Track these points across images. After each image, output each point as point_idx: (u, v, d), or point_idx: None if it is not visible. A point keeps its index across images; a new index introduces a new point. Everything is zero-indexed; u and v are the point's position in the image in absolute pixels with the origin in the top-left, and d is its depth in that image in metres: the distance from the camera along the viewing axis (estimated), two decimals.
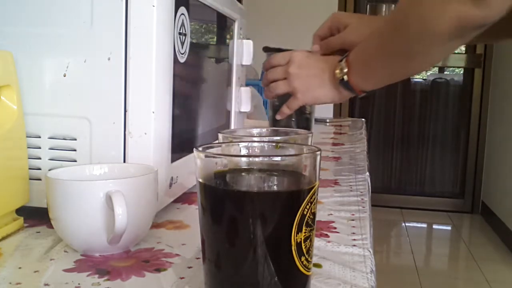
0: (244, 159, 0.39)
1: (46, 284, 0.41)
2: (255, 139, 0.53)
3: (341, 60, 0.78)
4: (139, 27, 0.53)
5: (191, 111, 0.68)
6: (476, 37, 0.61)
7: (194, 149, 0.37)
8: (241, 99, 0.90)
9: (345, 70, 0.76)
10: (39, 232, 0.54)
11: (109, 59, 0.53)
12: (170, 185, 0.59)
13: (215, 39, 0.80)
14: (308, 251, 0.36)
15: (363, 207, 0.67)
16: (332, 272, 0.45)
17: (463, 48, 3.78)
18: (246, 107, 0.90)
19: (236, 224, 0.35)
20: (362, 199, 0.71)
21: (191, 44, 0.63)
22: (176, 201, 0.63)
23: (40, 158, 0.56)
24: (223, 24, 0.81)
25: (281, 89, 0.86)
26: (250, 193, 0.36)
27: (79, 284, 0.41)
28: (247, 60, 0.91)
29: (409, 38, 0.64)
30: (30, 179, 0.56)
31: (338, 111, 3.69)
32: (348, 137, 1.36)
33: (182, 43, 0.60)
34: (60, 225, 0.48)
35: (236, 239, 0.35)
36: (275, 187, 0.37)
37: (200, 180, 0.36)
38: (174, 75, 0.58)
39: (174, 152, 0.59)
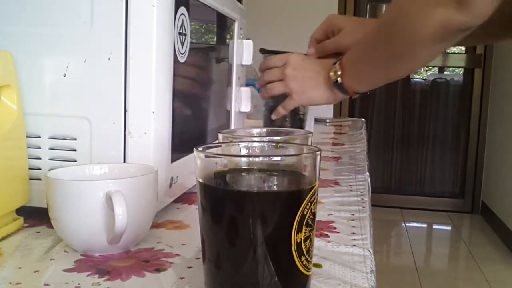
0: (244, 159, 0.39)
1: (46, 284, 0.41)
2: (255, 139, 0.53)
3: (335, 63, 0.80)
4: (139, 27, 0.53)
5: (191, 111, 0.68)
6: (476, 39, 0.62)
7: (194, 149, 0.37)
8: (241, 99, 0.90)
9: (339, 72, 0.79)
10: (39, 232, 0.54)
11: (109, 59, 0.53)
12: (170, 185, 0.59)
13: (215, 39, 0.80)
14: (308, 251, 0.36)
15: (363, 207, 0.67)
16: (332, 272, 0.45)
17: (463, 48, 3.79)
18: (246, 107, 0.90)
19: (236, 224, 0.35)
20: (362, 199, 0.71)
21: (191, 44, 0.63)
22: (176, 201, 0.63)
23: (40, 158, 0.56)
24: (223, 24, 0.81)
25: (277, 90, 0.88)
26: (250, 193, 0.36)
27: (79, 284, 0.41)
28: (247, 60, 0.91)
29: (397, 42, 0.66)
30: (30, 179, 0.56)
31: (338, 111, 3.69)
32: (348, 137, 1.36)
33: (182, 43, 0.60)
34: (60, 225, 0.48)
35: (236, 239, 0.35)
36: (275, 187, 0.37)
37: (200, 180, 0.36)
38: (174, 75, 0.58)
39: (174, 152, 0.59)
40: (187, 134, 0.67)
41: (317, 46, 0.93)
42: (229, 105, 0.87)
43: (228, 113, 0.87)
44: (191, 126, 0.68)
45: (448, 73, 3.98)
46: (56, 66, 0.55)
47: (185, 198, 0.67)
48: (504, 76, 3.41)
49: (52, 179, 0.47)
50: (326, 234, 0.55)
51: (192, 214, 0.62)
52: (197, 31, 0.68)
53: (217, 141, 0.53)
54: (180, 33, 0.59)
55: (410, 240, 3.15)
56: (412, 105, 3.91)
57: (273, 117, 0.92)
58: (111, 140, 0.55)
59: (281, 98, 0.89)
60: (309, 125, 1.14)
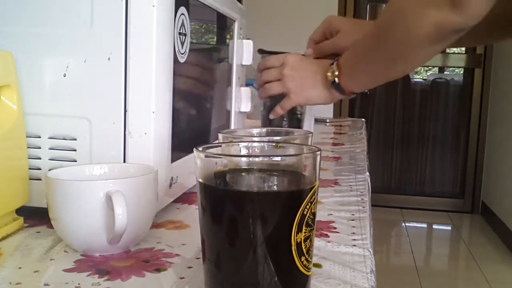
0: (244, 159, 0.39)
1: (46, 284, 0.41)
2: (255, 139, 0.53)
3: (332, 63, 0.81)
4: (139, 27, 0.53)
5: (191, 111, 0.68)
6: (477, 40, 0.63)
7: (194, 149, 0.37)
8: (241, 99, 0.90)
9: (336, 72, 0.80)
10: (39, 232, 0.54)
11: (109, 59, 0.53)
12: (170, 185, 0.59)
13: (215, 39, 0.80)
14: (308, 251, 0.36)
15: (363, 207, 0.67)
16: (332, 272, 0.45)
17: (463, 48, 3.79)
18: (246, 107, 0.91)
19: (236, 224, 0.35)
20: (362, 199, 0.71)
21: (191, 44, 0.63)
22: (176, 201, 0.63)
23: (40, 158, 0.56)
24: (223, 24, 0.81)
25: (275, 89, 0.89)
26: (250, 193, 0.36)
27: (79, 284, 0.41)
28: (247, 60, 0.91)
29: (393, 43, 0.67)
30: (30, 179, 0.56)
31: (338, 111, 3.69)
32: (348, 137, 1.36)
33: (182, 43, 0.60)
34: (60, 225, 0.48)
35: (236, 239, 0.35)
36: (275, 187, 0.37)
37: (200, 180, 0.36)
38: (174, 75, 0.58)
39: (174, 152, 0.59)
40: (187, 134, 0.67)
41: (315, 47, 0.95)
42: (229, 105, 0.87)
43: (228, 113, 0.87)
44: (191, 126, 0.68)
45: (448, 73, 3.98)
46: (56, 66, 0.55)
47: (185, 198, 0.67)
48: (504, 76, 3.41)
49: (52, 179, 0.47)
50: (326, 234, 0.55)
51: (192, 214, 0.62)
52: (197, 31, 0.68)
53: (217, 141, 0.53)
54: (180, 33, 0.59)
55: (410, 240, 3.15)
56: (412, 105, 3.91)
57: (271, 116, 0.93)
58: (111, 140, 0.55)
59: (279, 98, 0.90)
60: (309, 125, 1.14)
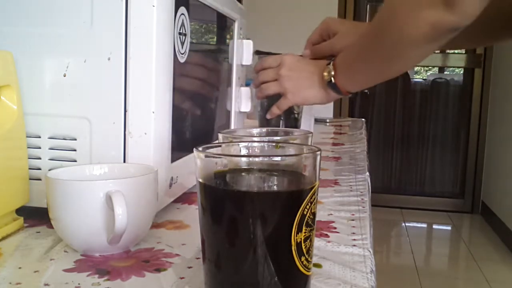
0: (244, 159, 0.39)
1: (46, 284, 0.41)
2: (255, 139, 0.53)
3: (328, 63, 0.82)
4: (139, 27, 0.53)
5: (191, 111, 0.68)
6: (476, 42, 0.64)
7: (194, 149, 0.37)
8: (241, 99, 0.90)
9: (332, 72, 0.81)
10: (39, 232, 0.54)
11: (109, 59, 0.53)
12: (170, 185, 0.59)
13: (215, 39, 0.80)
14: (308, 251, 0.36)
15: (363, 207, 0.67)
16: (332, 272, 0.45)
17: None
18: (246, 107, 0.91)
19: (236, 224, 0.35)
20: (362, 199, 0.71)
21: (191, 44, 0.63)
22: (176, 201, 0.63)
23: (40, 158, 0.56)
24: (223, 24, 0.81)
25: (272, 90, 0.89)
26: (250, 193, 0.36)
27: (79, 284, 0.41)
28: (247, 60, 0.92)
29: (388, 44, 0.68)
30: (30, 179, 0.56)
31: (338, 111, 3.69)
32: (348, 137, 1.36)
33: (182, 43, 0.60)
34: (60, 225, 0.48)
35: (236, 239, 0.35)
36: (275, 187, 0.37)
37: (200, 180, 0.36)
38: (174, 75, 0.58)
39: (174, 152, 0.59)
40: (187, 134, 0.67)
41: (312, 48, 0.95)
42: (229, 105, 0.87)
43: (228, 113, 0.87)
44: (191, 126, 0.68)
45: (448, 73, 3.98)
46: (56, 66, 0.55)
47: (185, 198, 0.67)
48: (504, 76, 3.41)
49: (52, 179, 0.47)
50: (326, 234, 0.55)
51: (192, 214, 0.62)
52: (197, 31, 0.68)
53: (217, 141, 0.53)
54: (180, 33, 0.59)
55: (410, 240, 3.15)
56: (412, 105, 3.91)
57: (268, 116, 0.93)
58: (111, 140, 0.55)
59: (276, 98, 0.90)
60: (309, 125, 1.14)
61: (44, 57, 0.55)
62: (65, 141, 0.56)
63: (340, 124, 1.65)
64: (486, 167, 3.71)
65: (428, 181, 3.92)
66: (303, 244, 0.35)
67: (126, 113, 0.54)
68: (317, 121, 1.57)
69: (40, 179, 0.56)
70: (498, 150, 3.45)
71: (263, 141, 0.45)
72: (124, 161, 0.55)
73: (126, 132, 0.54)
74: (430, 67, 4.00)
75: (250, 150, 0.42)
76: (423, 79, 4.02)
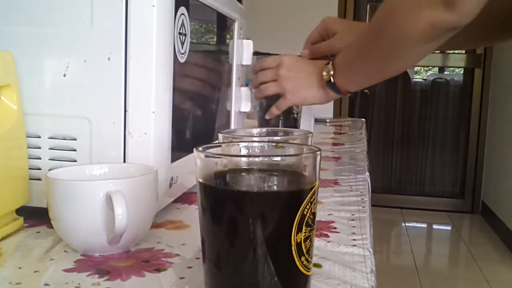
0: (244, 159, 0.39)
1: (46, 284, 0.41)
2: (255, 139, 0.53)
3: (327, 63, 0.82)
4: (139, 27, 0.53)
5: (191, 111, 0.68)
6: (476, 42, 0.64)
7: (194, 149, 0.37)
8: (241, 99, 0.90)
9: (331, 72, 0.81)
10: (39, 232, 0.54)
11: (109, 59, 0.53)
12: (170, 185, 0.59)
13: (215, 39, 0.80)
14: (308, 251, 0.36)
15: (363, 207, 0.67)
16: (332, 272, 0.45)
17: None
18: (246, 107, 0.91)
19: (236, 224, 0.35)
20: (362, 199, 0.71)
21: (191, 44, 0.63)
22: (176, 201, 0.63)
23: (40, 158, 0.56)
24: (223, 24, 0.81)
25: (271, 90, 0.89)
26: (250, 193, 0.36)
27: (79, 284, 0.41)
28: (247, 60, 0.92)
29: (387, 42, 0.68)
30: (30, 179, 0.56)
31: (338, 111, 3.69)
32: (348, 137, 1.36)
33: (182, 43, 0.60)
34: (60, 225, 0.48)
35: (236, 239, 0.35)
36: (275, 187, 0.37)
37: (200, 180, 0.36)
38: (174, 75, 0.58)
39: (174, 152, 0.59)
40: (187, 134, 0.67)
41: (311, 48, 0.96)
42: (229, 105, 0.87)
43: (228, 113, 0.87)
44: (191, 126, 0.68)
45: (448, 73, 3.98)
46: (56, 66, 0.55)
47: (185, 198, 0.67)
48: (504, 76, 3.41)
49: (52, 179, 0.47)
50: (326, 234, 0.55)
51: (192, 214, 0.62)
52: (197, 31, 0.68)
53: (217, 141, 0.53)
54: (180, 33, 0.59)
55: (410, 240, 3.15)
56: (412, 105, 3.91)
57: (267, 117, 0.93)
58: (111, 140, 0.55)
59: (275, 98, 0.90)
60: (309, 125, 1.14)
61: (44, 57, 0.55)
62: (65, 141, 0.56)
63: (340, 124, 1.65)
64: (486, 167, 3.71)
65: (428, 181, 3.92)
66: (303, 244, 0.35)
67: (126, 113, 0.54)
68: (317, 121, 1.57)
69: (40, 179, 0.56)
70: (498, 150, 3.45)
71: (263, 141, 0.45)
72: (124, 161, 0.55)
73: (126, 132, 0.54)
74: (430, 67, 4.00)
75: (250, 150, 0.42)
76: (423, 79, 4.02)
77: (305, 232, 0.35)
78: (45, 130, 0.56)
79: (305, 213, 0.35)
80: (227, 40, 0.84)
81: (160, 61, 0.54)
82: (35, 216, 0.56)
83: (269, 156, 0.38)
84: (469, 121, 3.79)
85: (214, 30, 0.78)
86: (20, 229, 0.54)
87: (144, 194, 0.48)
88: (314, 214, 0.36)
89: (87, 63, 0.54)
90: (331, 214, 0.63)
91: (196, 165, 0.37)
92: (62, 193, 0.47)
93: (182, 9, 0.59)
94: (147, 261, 0.47)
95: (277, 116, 0.94)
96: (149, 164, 0.53)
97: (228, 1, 0.80)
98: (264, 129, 0.57)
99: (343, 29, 0.93)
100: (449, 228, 3.54)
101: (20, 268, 0.45)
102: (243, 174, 0.36)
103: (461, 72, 3.88)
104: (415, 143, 3.92)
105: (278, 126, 0.97)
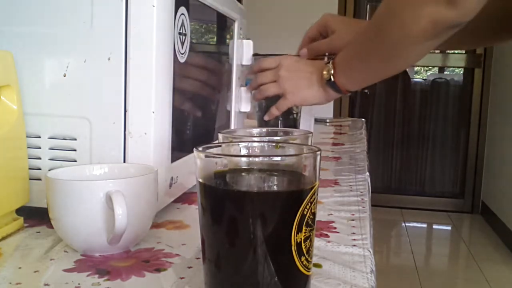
0: (244, 159, 0.39)
1: (46, 284, 0.41)
2: (255, 139, 0.53)
3: (328, 62, 0.82)
4: (139, 27, 0.53)
5: (191, 111, 0.68)
6: (476, 42, 0.64)
7: (194, 149, 0.37)
8: (241, 99, 0.90)
9: (332, 71, 0.81)
10: (39, 232, 0.54)
11: (109, 59, 0.53)
12: (170, 185, 0.59)
13: (215, 39, 0.80)
14: (308, 251, 0.36)
15: (363, 207, 0.67)
16: (332, 272, 0.45)
17: None
18: (246, 107, 0.91)
19: (236, 224, 0.35)
20: (362, 199, 0.71)
21: (191, 44, 0.63)
22: (176, 201, 0.63)
23: (40, 158, 0.56)
24: (223, 24, 0.81)
25: (271, 91, 0.89)
26: (250, 193, 0.36)
27: (79, 284, 0.41)
28: (247, 60, 0.92)
29: (388, 40, 0.68)
30: (30, 179, 0.56)
31: (338, 111, 3.69)
32: (348, 137, 1.36)
33: (182, 43, 0.60)
34: (60, 225, 0.48)
35: (236, 239, 0.35)
36: (275, 187, 0.37)
37: (200, 180, 0.36)
38: (174, 75, 0.58)
39: (174, 152, 0.59)
40: (187, 134, 0.67)
41: (310, 47, 0.95)
42: (229, 105, 0.87)
43: (228, 113, 0.87)
44: (191, 126, 0.68)
45: (448, 73, 3.98)
46: (56, 66, 0.55)
47: (185, 198, 0.67)
48: (504, 76, 3.41)
49: (52, 179, 0.47)
50: (326, 234, 0.55)
51: (192, 214, 0.62)
52: (197, 31, 0.68)
53: (217, 141, 0.53)
54: (180, 33, 0.59)
55: (410, 240, 3.15)
56: (412, 105, 3.91)
57: (266, 118, 0.93)
58: (111, 140, 0.55)
59: (275, 99, 0.90)
60: (309, 125, 1.14)
61: (44, 57, 0.55)
62: (65, 141, 0.56)
63: (340, 124, 1.65)
64: (486, 167, 3.71)
65: (428, 181, 3.92)
66: (303, 244, 0.35)
67: (126, 113, 0.54)
68: (317, 121, 1.57)
69: (40, 179, 0.56)
70: (498, 150, 3.45)
71: (263, 141, 0.45)
72: (124, 161, 0.55)
73: (126, 132, 0.54)
74: (430, 67, 4.00)
75: (250, 150, 0.42)
76: (423, 79, 4.02)
77: (305, 232, 0.35)
78: (45, 130, 0.56)
79: (305, 213, 0.35)
80: (227, 40, 0.84)
81: (160, 61, 0.54)
82: (35, 216, 0.56)
83: (269, 156, 0.38)
84: (469, 121, 3.79)
85: (214, 30, 0.78)
86: (20, 229, 0.54)
87: (144, 194, 0.48)
88: (314, 214, 0.36)
89: (87, 63, 0.54)
90: (331, 214, 0.63)
91: (196, 165, 0.37)
92: (62, 193, 0.47)
93: (182, 9, 0.59)
94: (147, 261, 0.47)
95: (276, 116, 0.94)
96: (149, 164, 0.53)
97: (228, 1, 0.80)
98: (264, 129, 0.57)
99: (343, 27, 0.92)
100: (449, 228, 3.54)
101: (20, 268, 0.45)
102: (243, 174, 0.36)
103: (461, 72, 3.88)
104: (415, 143, 3.92)
105: (278, 127, 0.97)
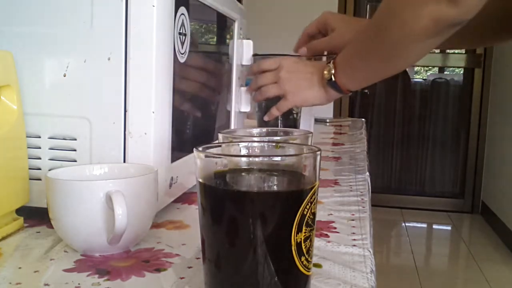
0: (244, 159, 0.39)
1: (46, 284, 0.41)
2: (255, 139, 0.53)
3: (329, 62, 0.82)
4: (139, 27, 0.53)
5: (191, 111, 0.68)
6: (476, 42, 0.64)
7: (194, 149, 0.37)
8: (241, 99, 0.90)
9: (332, 71, 0.81)
10: (39, 232, 0.54)
11: (109, 59, 0.53)
12: (170, 185, 0.59)
13: (215, 39, 0.80)
14: (308, 251, 0.36)
15: (363, 207, 0.67)
16: (332, 272, 0.45)
17: None
18: (246, 107, 0.91)
19: (236, 224, 0.35)
20: (362, 199, 0.71)
21: (191, 44, 0.63)
22: (176, 201, 0.63)
23: (40, 158, 0.56)
24: (223, 24, 0.81)
25: (272, 92, 0.89)
26: (250, 193, 0.36)
27: (79, 284, 0.41)
28: (247, 60, 0.92)
29: (389, 41, 0.68)
30: (30, 179, 0.56)
31: (338, 111, 3.69)
32: (348, 137, 1.36)
33: (182, 43, 0.60)
34: (60, 225, 0.48)
35: (236, 239, 0.35)
36: (275, 187, 0.37)
37: (200, 180, 0.36)
38: (174, 75, 0.58)
39: (174, 152, 0.59)
40: (187, 134, 0.67)
41: (309, 45, 0.95)
42: (229, 105, 0.87)
43: (228, 113, 0.87)
44: (191, 126, 0.68)
45: (448, 73, 3.98)
46: (56, 66, 0.55)
47: (185, 198, 0.67)
48: (504, 76, 3.41)
49: (52, 179, 0.47)
50: (326, 234, 0.55)
51: (192, 214, 0.62)
52: (197, 31, 0.68)
53: (217, 141, 0.53)
54: (180, 33, 0.59)
55: (410, 240, 3.15)
56: (412, 105, 3.91)
57: (265, 118, 0.93)
58: (111, 140, 0.55)
59: (275, 100, 0.90)
60: (309, 125, 1.14)
61: (44, 57, 0.55)
62: (65, 141, 0.56)
63: (340, 124, 1.65)
64: (486, 167, 3.71)
65: (428, 181, 3.92)
66: (303, 244, 0.35)
67: (126, 113, 0.54)
68: (317, 121, 1.57)
69: (40, 179, 0.56)
70: (498, 150, 3.45)
71: (263, 141, 0.45)
72: (124, 161, 0.55)
73: (126, 132, 0.54)
74: (430, 67, 4.00)
75: (250, 150, 0.42)
76: (423, 79, 4.02)
77: (305, 232, 0.35)
78: (45, 130, 0.56)
79: (305, 213, 0.35)
80: (227, 40, 0.84)
81: (160, 61, 0.54)
82: (35, 216, 0.56)
83: (269, 156, 0.38)
84: (469, 121, 3.79)
85: (214, 30, 0.78)
86: (20, 229, 0.54)
87: (144, 194, 0.48)
88: (314, 214, 0.36)
89: (87, 63, 0.54)
90: (331, 214, 0.63)
91: (196, 165, 0.37)
92: (62, 193, 0.47)
93: (182, 9, 0.59)
94: (147, 261, 0.47)
95: (276, 117, 0.94)
96: (149, 164, 0.53)
97: (228, 1, 0.80)
98: (264, 129, 0.57)
99: (343, 25, 0.92)
100: (449, 228, 3.54)
101: (20, 268, 0.45)
102: (243, 174, 0.36)
103: (461, 72, 3.88)
104: (415, 143, 3.92)
105: (277, 127, 0.97)
